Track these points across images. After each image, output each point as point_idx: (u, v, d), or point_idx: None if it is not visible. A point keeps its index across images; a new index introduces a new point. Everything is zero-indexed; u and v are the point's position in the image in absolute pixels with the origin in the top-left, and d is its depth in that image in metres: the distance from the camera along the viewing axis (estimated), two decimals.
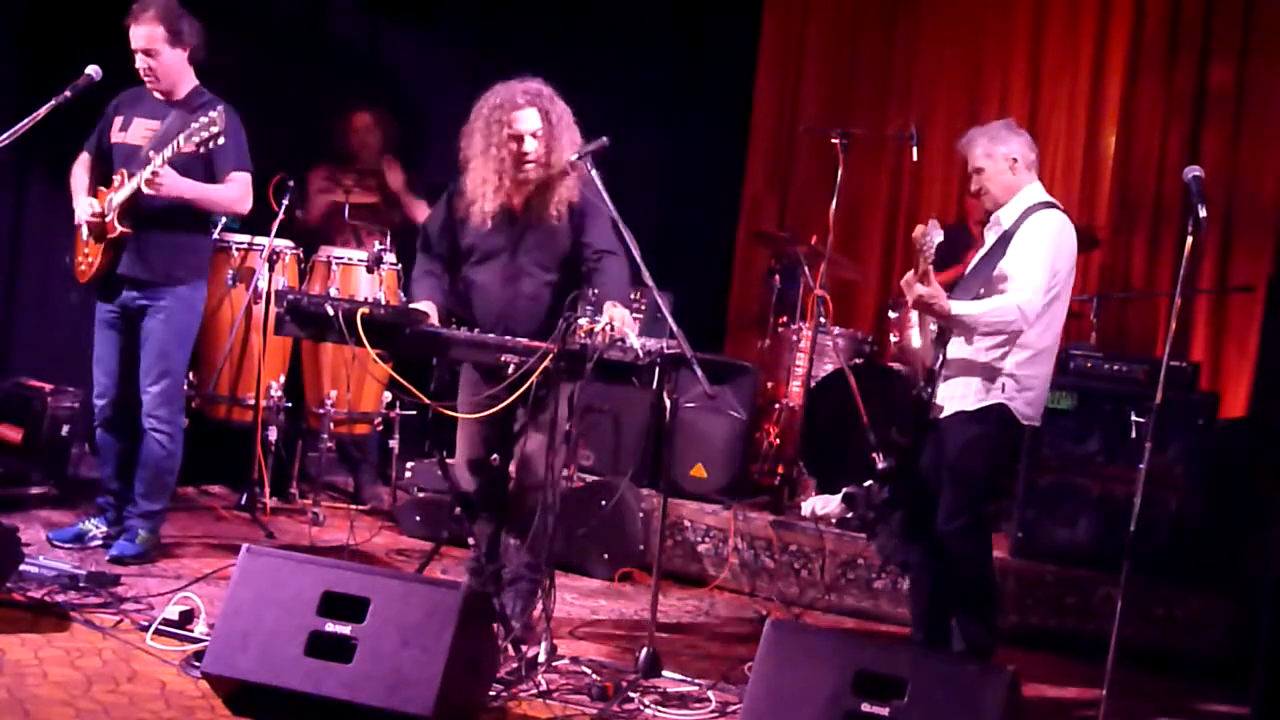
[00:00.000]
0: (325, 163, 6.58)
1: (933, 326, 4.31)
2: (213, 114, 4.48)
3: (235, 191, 4.76)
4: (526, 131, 4.17)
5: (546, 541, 4.20)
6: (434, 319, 4.20)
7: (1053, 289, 4.15)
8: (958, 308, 4.12)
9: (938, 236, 4.07)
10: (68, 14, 5.99)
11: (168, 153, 4.49)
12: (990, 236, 4.33)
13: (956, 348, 4.23)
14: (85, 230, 4.76)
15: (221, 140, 4.50)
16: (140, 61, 4.68)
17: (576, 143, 4.22)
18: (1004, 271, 4.15)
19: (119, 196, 4.62)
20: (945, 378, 4.25)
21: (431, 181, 6.96)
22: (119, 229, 4.64)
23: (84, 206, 4.74)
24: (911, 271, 4.10)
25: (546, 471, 4.10)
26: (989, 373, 4.17)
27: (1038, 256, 4.13)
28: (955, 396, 4.22)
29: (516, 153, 4.18)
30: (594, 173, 4.13)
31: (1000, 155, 4.28)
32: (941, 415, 4.24)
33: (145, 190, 4.52)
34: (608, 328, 3.90)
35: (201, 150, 4.50)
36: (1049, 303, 4.15)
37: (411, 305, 4.26)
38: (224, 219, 5.51)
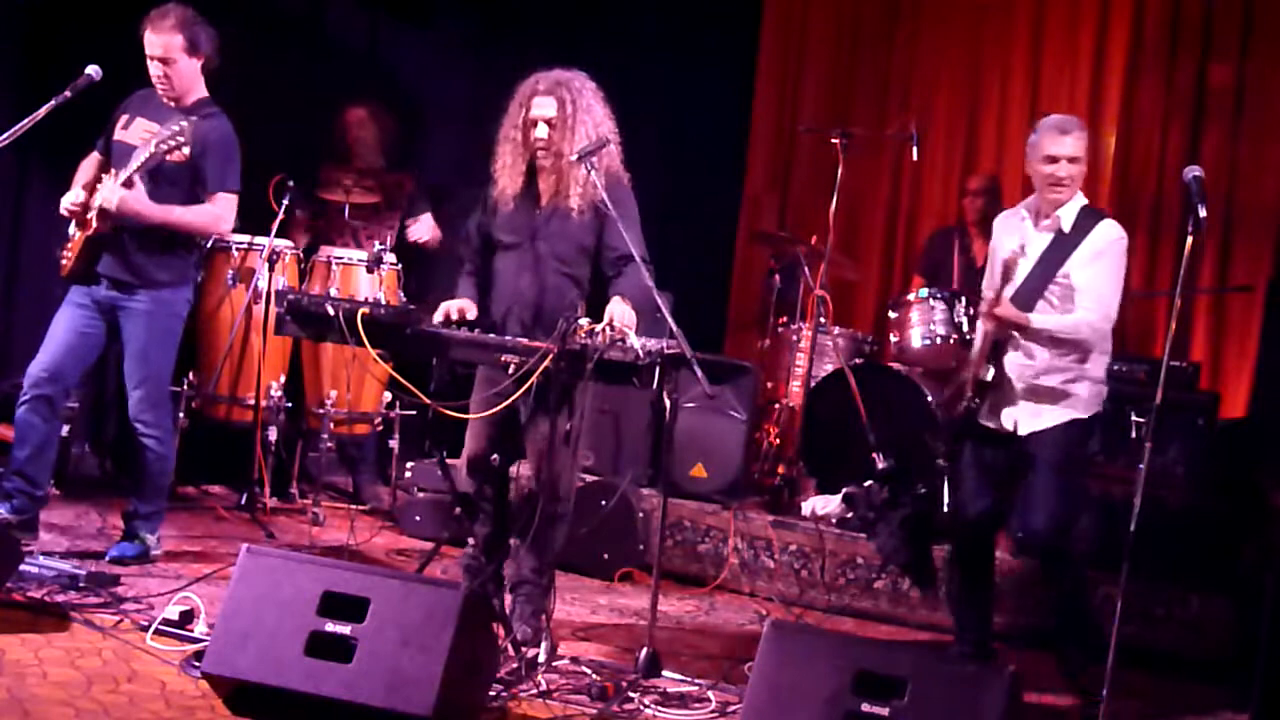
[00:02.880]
0: (327, 162, 6.58)
1: (977, 342, 4.37)
2: (182, 123, 4.47)
3: (210, 213, 4.71)
4: (541, 118, 4.20)
5: (554, 547, 4.22)
6: (468, 311, 4.22)
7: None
8: (1039, 321, 4.19)
9: (1019, 257, 4.30)
10: (68, 14, 5.99)
11: (134, 165, 4.48)
12: (1045, 237, 4.30)
13: (1039, 362, 4.26)
14: (72, 224, 4.73)
15: (186, 151, 4.51)
16: (155, 69, 4.67)
17: (602, 138, 4.21)
18: (1076, 283, 4.20)
19: (99, 196, 4.60)
20: (1025, 395, 4.26)
21: (431, 181, 6.98)
22: (94, 226, 4.60)
23: (69, 196, 4.69)
24: (990, 296, 4.29)
25: (557, 474, 4.11)
26: (1081, 384, 4.24)
27: (1114, 278, 4.21)
28: (1047, 410, 4.25)
29: (533, 139, 4.22)
30: (594, 174, 4.13)
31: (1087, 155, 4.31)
32: (1030, 430, 4.26)
33: (111, 210, 4.49)
34: (607, 328, 3.90)
35: (169, 157, 4.49)
36: None
37: (452, 301, 4.26)
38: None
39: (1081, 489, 4.39)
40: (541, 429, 4.12)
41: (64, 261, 4.79)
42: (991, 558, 4.50)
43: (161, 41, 4.64)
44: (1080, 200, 4.30)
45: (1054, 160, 4.22)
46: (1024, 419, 4.27)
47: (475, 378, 4.34)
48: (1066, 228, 4.25)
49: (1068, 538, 4.23)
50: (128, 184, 4.51)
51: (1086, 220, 4.25)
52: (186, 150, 4.51)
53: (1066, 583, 4.32)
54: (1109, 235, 4.23)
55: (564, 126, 4.19)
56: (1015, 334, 4.25)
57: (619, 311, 4.02)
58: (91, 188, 4.70)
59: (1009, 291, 4.30)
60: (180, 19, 4.65)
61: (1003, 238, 4.46)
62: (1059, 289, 4.23)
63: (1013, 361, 4.27)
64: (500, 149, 4.33)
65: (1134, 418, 5.11)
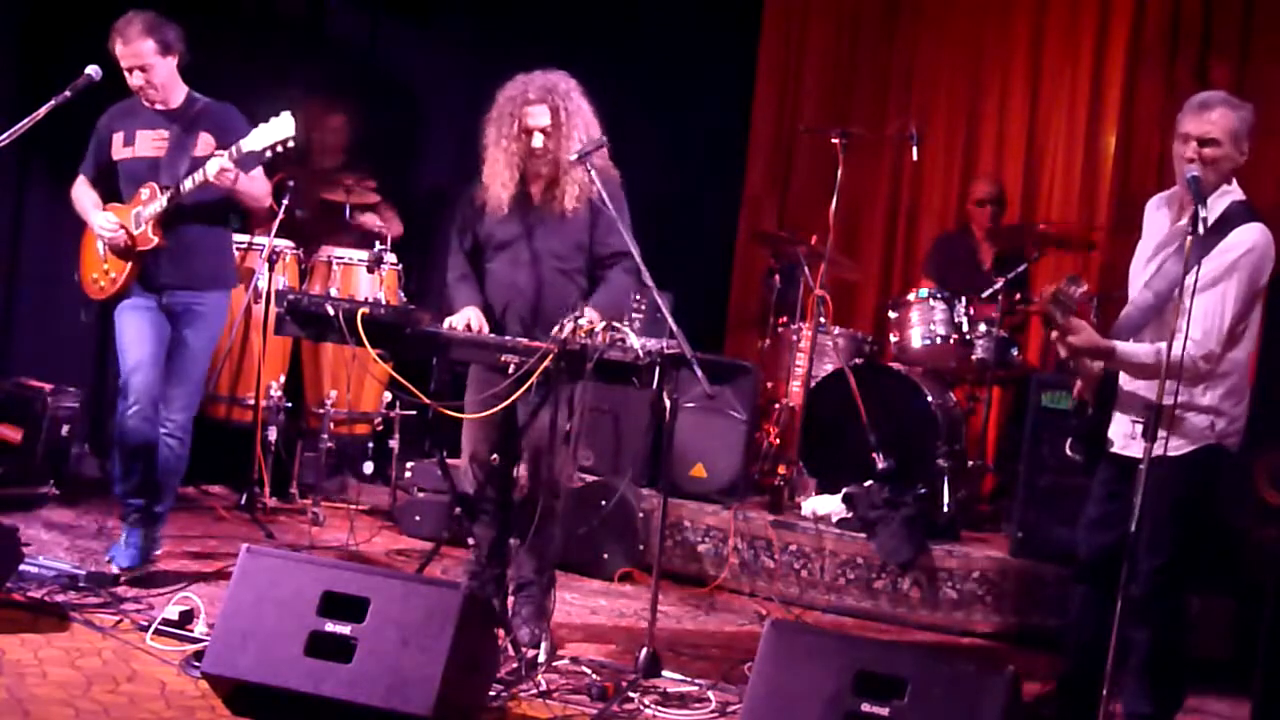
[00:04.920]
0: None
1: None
2: (228, 150, 4.48)
3: (265, 186, 4.77)
4: (536, 128, 4.20)
5: (554, 546, 4.22)
6: (485, 325, 4.18)
7: (1246, 317, 3.70)
8: (1124, 351, 3.65)
9: (1079, 289, 3.68)
10: (69, 14, 5.99)
11: (230, 155, 4.47)
12: (1179, 236, 3.72)
13: (1145, 384, 3.70)
14: (103, 247, 4.68)
15: (268, 155, 4.52)
16: (136, 78, 4.65)
17: (592, 138, 4.21)
18: (1191, 306, 3.53)
19: (151, 209, 4.55)
20: (1127, 409, 3.78)
21: (429, 182, 6.98)
22: (154, 240, 4.58)
23: (104, 220, 4.63)
24: (1055, 331, 3.67)
25: (552, 474, 4.11)
26: (1189, 411, 3.66)
27: (1234, 300, 3.62)
28: (1143, 435, 3.60)
29: (527, 146, 4.21)
30: (593, 172, 4.13)
31: (1243, 141, 3.74)
32: (1125, 452, 3.78)
33: (212, 180, 4.46)
34: (608, 328, 3.90)
35: (234, 157, 4.50)
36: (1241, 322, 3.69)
37: (455, 313, 4.21)
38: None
39: (1192, 537, 3.75)
40: (540, 428, 4.13)
41: (101, 284, 4.70)
42: (1112, 597, 3.66)
43: (133, 50, 4.62)
44: (1229, 196, 3.71)
45: (1185, 140, 3.71)
46: (1119, 437, 3.83)
47: (468, 378, 4.34)
48: (1202, 228, 3.53)
49: (1171, 599, 3.76)
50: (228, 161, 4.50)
51: (1227, 222, 3.61)
52: (231, 176, 4.52)
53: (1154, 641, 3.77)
54: (1242, 244, 3.60)
55: (559, 134, 4.19)
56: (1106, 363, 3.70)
57: (592, 316, 4.02)
58: (114, 211, 4.67)
59: (1132, 293, 3.79)
60: (145, 24, 4.63)
61: (1146, 231, 3.94)
62: (1181, 299, 3.54)
63: (1125, 375, 3.81)
64: (490, 155, 4.30)
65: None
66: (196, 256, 4.69)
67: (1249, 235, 3.67)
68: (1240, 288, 3.65)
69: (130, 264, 4.65)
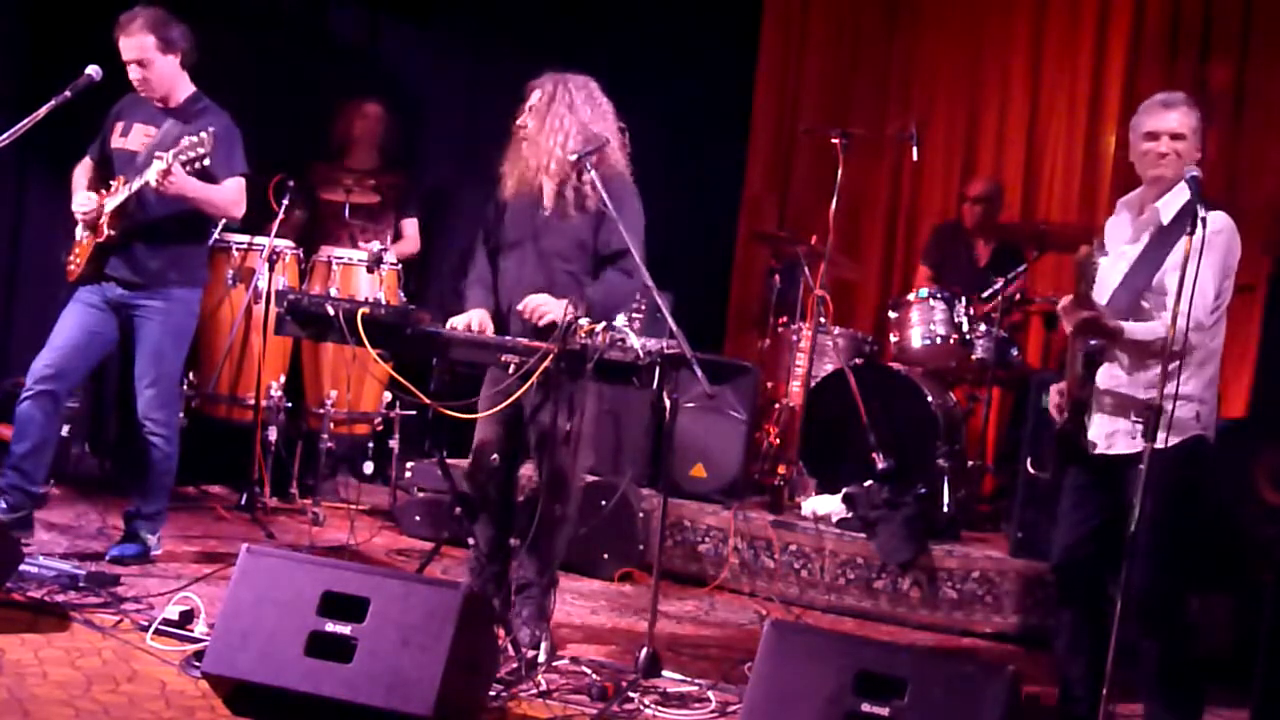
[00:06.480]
0: (318, 159, 6.58)
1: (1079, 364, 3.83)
2: (203, 135, 4.46)
3: (230, 195, 4.74)
4: (527, 105, 4.22)
5: (558, 550, 4.21)
6: (488, 327, 4.18)
7: (1221, 297, 3.79)
8: (1131, 329, 3.70)
9: (1102, 257, 3.74)
10: (68, 14, 5.99)
11: (169, 158, 4.47)
12: (1143, 232, 3.86)
13: (1128, 380, 3.80)
14: (81, 228, 4.75)
15: (208, 162, 4.51)
16: (134, 72, 4.67)
17: (588, 136, 4.19)
18: (1166, 284, 3.66)
19: (113, 201, 4.61)
20: (1110, 410, 3.82)
21: (429, 182, 6.98)
22: (106, 233, 4.63)
23: (80, 200, 4.71)
24: (1069, 297, 3.70)
25: (559, 475, 4.11)
26: (1176, 402, 3.64)
27: (1210, 275, 3.69)
28: (1128, 431, 3.75)
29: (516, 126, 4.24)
30: (592, 173, 4.12)
31: (1200, 139, 3.81)
32: (1109, 451, 3.83)
33: (155, 187, 4.47)
34: (608, 328, 3.90)
35: (189, 169, 4.49)
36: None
37: (462, 313, 4.22)
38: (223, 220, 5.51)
39: (1188, 533, 3.79)
40: (544, 428, 4.13)
41: (70, 266, 4.80)
42: (1098, 602, 3.85)
43: (134, 44, 4.64)
44: (1187, 190, 3.75)
45: (1154, 137, 3.81)
46: (1102, 437, 3.86)
47: (484, 377, 4.34)
48: (1166, 220, 3.77)
49: (1171, 599, 3.79)
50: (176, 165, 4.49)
51: (1189, 213, 3.65)
52: (208, 161, 4.51)
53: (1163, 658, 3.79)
54: (1211, 224, 3.62)
55: (540, 114, 4.19)
56: (1109, 344, 3.76)
57: (531, 300, 4.07)
58: (97, 192, 4.70)
59: (1101, 300, 3.81)
60: (148, 20, 4.65)
61: (1109, 241, 4.01)
62: (1156, 296, 3.73)
63: (1104, 373, 3.83)
64: (509, 146, 4.33)
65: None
66: (146, 255, 4.70)
67: (1217, 218, 3.76)
68: (1215, 263, 3.74)
69: (90, 251, 4.70)
